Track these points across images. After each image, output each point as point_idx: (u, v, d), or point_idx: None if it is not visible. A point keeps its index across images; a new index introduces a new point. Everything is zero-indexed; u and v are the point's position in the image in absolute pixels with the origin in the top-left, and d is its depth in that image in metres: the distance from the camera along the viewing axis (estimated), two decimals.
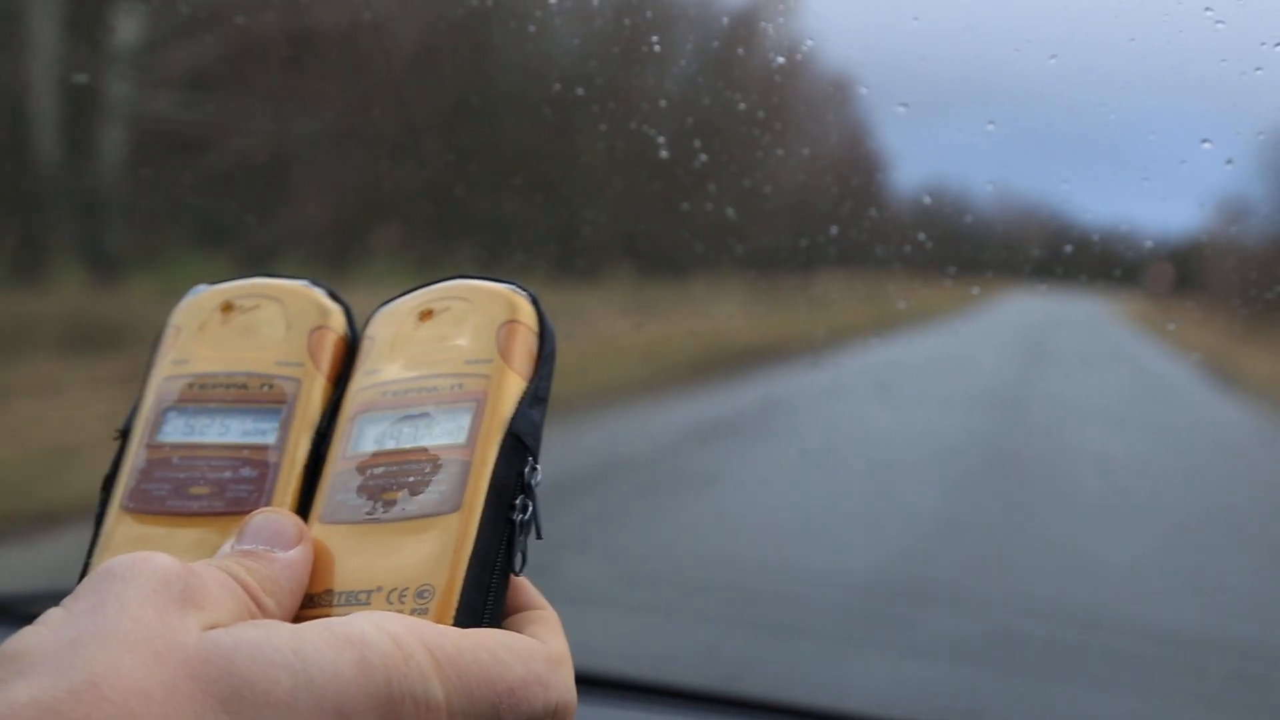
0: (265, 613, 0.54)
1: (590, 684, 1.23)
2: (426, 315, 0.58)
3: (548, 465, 0.58)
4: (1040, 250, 3.28)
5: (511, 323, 0.56)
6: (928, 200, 2.94)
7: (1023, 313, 7.66)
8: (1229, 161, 1.74)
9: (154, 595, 0.49)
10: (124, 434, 0.60)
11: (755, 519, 4.03)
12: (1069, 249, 2.80)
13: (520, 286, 0.59)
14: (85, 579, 0.52)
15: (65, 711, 0.45)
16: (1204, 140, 1.71)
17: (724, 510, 4.22)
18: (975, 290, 2.88)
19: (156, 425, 0.59)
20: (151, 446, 0.58)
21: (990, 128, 1.84)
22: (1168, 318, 5.51)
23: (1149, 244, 2.68)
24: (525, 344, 0.56)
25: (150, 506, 0.57)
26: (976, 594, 3.65)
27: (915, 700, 2.12)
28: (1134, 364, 7.25)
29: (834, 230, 2.81)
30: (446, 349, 0.57)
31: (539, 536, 0.56)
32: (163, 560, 0.52)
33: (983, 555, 4.32)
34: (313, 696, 0.48)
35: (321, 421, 0.58)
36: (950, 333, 7.01)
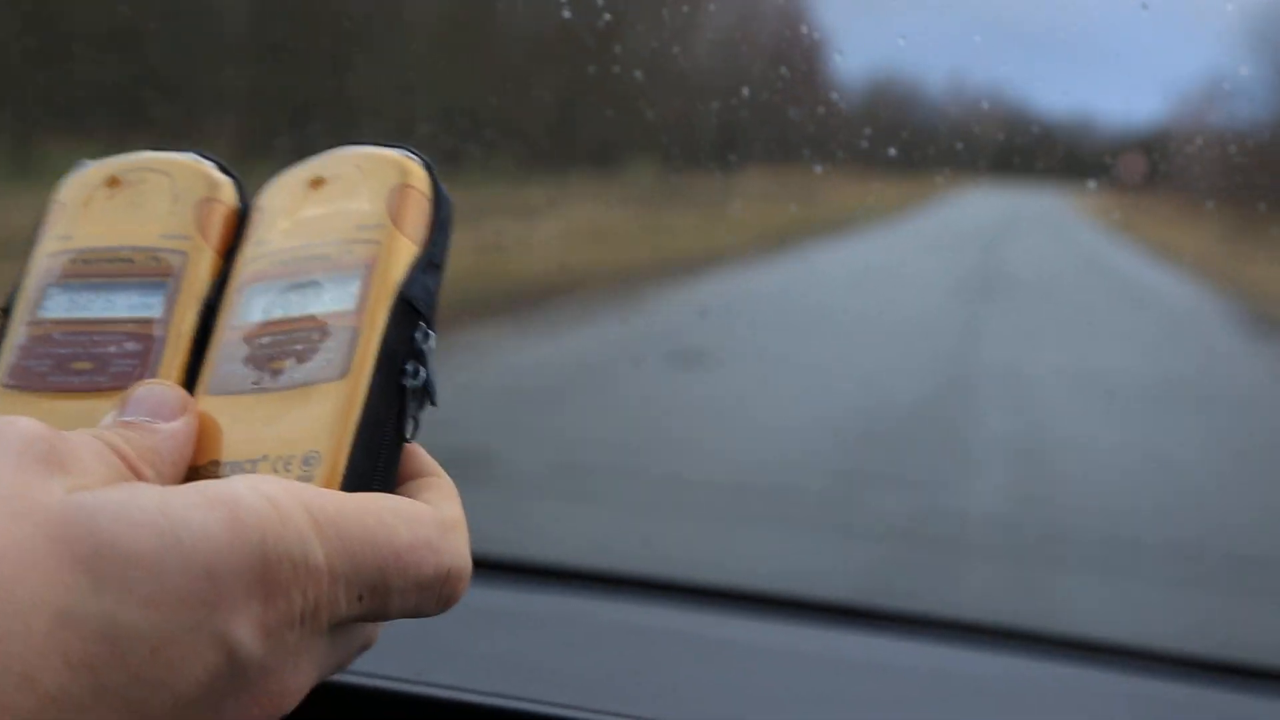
0: (144, 482, 0.52)
1: (526, 571, 1.24)
2: (317, 184, 0.58)
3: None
4: (995, 141, 3.30)
5: (404, 187, 0.56)
6: (871, 93, 2.96)
7: (976, 210, 7.22)
8: (1144, 6, 1.78)
9: (15, 456, 0.49)
10: (4, 312, 0.59)
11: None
12: (1007, 138, 2.83)
13: (413, 151, 0.59)
14: None
15: None
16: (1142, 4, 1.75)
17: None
18: (928, 182, 2.90)
19: (38, 302, 0.59)
20: (33, 323, 0.58)
21: (929, 14, 1.86)
22: (1139, 212, 5.48)
23: (1083, 132, 2.72)
24: (418, 209, 0.56)
25: (31, 383, 0.57)
26: (917, 479, 3.78)
27: (854, 579, 2.22)
28: (1114, 282, 6.69)
29: (782, 126, 2.83)
30: (337, 216, 0.57)
31: (433, 403, 0.56)
32: (27, 423, 0.51)
33: (928, 445, 4.42)
34: (180, 557, 0.47)
35: (209, 294, 0.58)
36: (882, 238, 6.61)
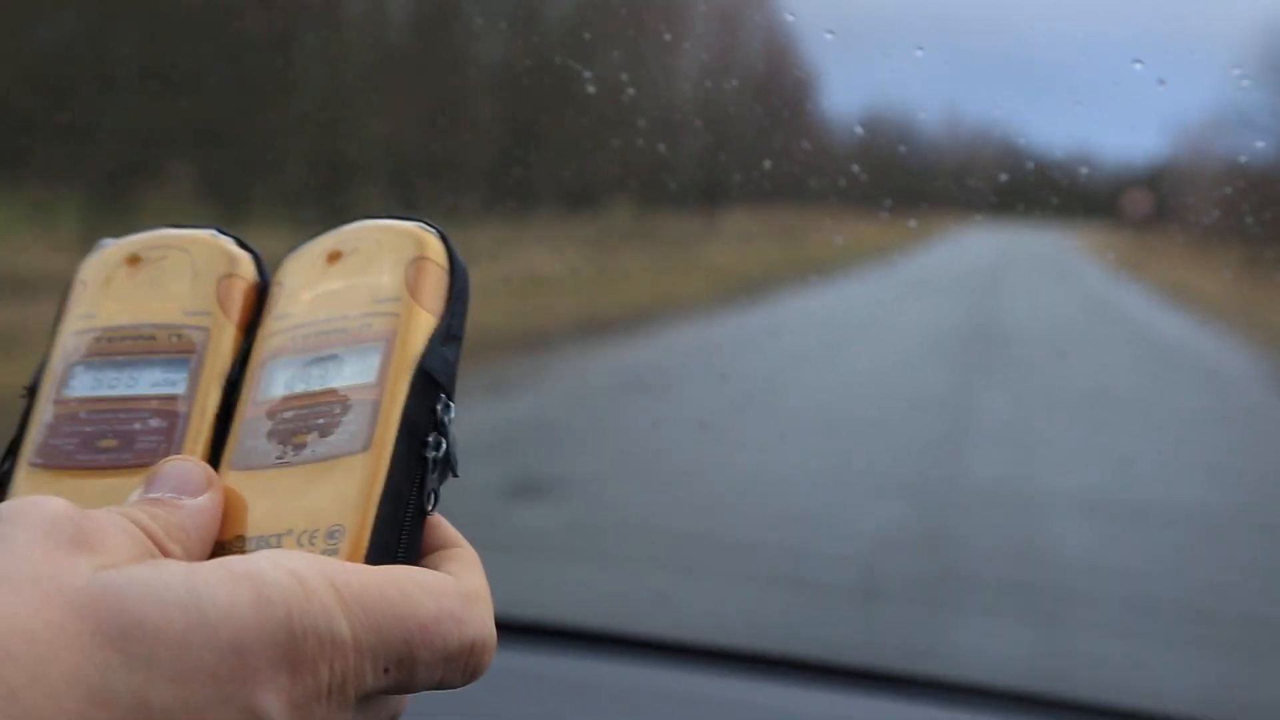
0: (171, 559, 0.55)
1: (542, 633, 1.32)
2: (335, 257, 0.62)
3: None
4: (991, 179, 3.34)
5: (420, 259, 0.60)
6: (860, 131, 3.01)
7: (970, 251, 6.88)
8: (1161, 82, 1.86)
9: (43, 537, 0.51)
10: (31, 391, 0.63)
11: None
12: (1006, 177, 2.87)
13: (428, 223, 0.63)
14: None
15: None
16: (1135, 61, 1.83)
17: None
18: (912, 224, 2.95)
19: (64, 380, 0.62)
20: (59, 402, 0.62)
21: (919, 54, 1.93)
22: (1146, 252, 5.37)
23: (1084, 170, 2.78)
24: (435, 281, 0.60)
25: (58, 461, 0.61)
26: (928, 539, 3.77)
27: (868, 642, 2.30)
28: (1129, 335, 6.16)
29: (767, 164, 2.89)
30: (355, 290, 0.61)
31: (455, 475, 0.59)
32: (55, 503, 0.54)
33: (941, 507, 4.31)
34: (207, 633, 0.50)
35: (232, 370, 0.62)
36: (867, 284, 5.94)
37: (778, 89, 2.94)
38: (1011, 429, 4.93)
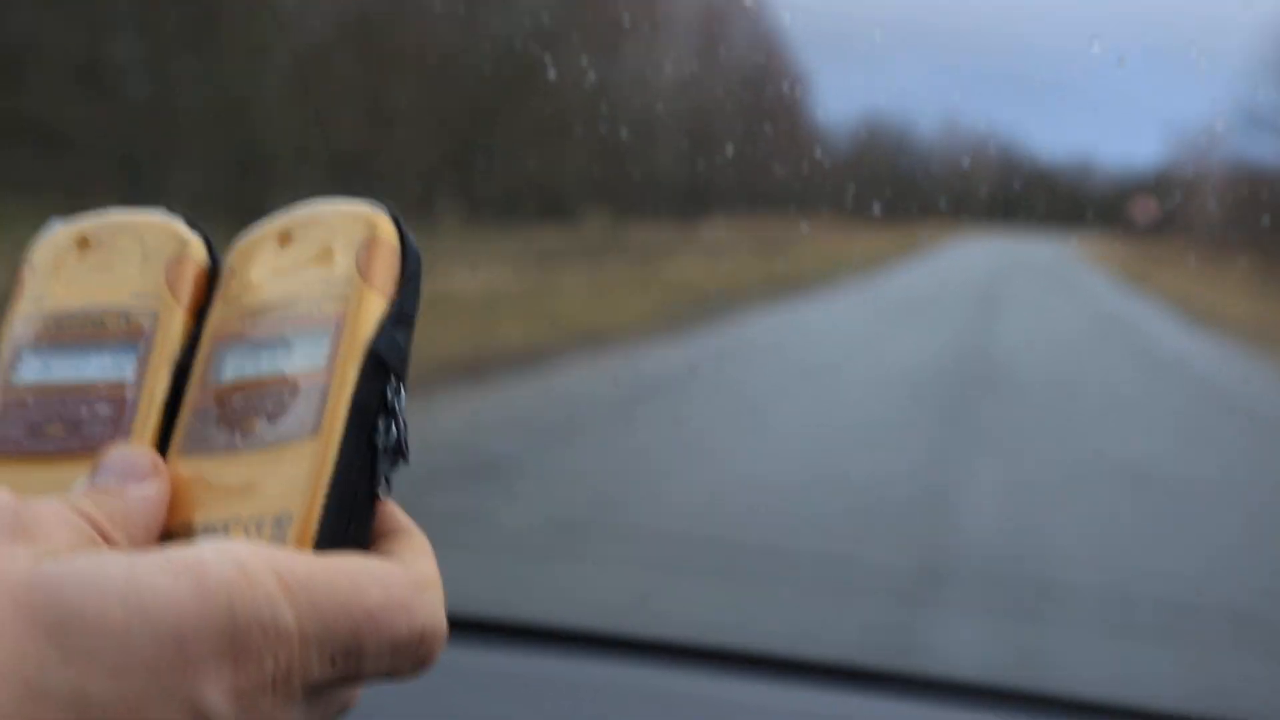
0: (115, 548, 0.57)
1: (521, 633, 1.35)
2: (285, 239, 0.64)
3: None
4: (988, 187, 3.37)
5: (372, 241, 0.62)
6: (852, 138, 3.03)
7: (966, 262, 6.51)
8: (1121, 61, 1.92)
9: None
10: None
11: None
12: (1004, 185, 2.90)
13: (381, 204, 0.64)
14: None
15: None
16: (1092, 36, 1.89)
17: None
18: (905, 234, 2.99)
19: (12, 366, 0.64)
20: (6, 389, 0.64)
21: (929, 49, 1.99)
22: (1151, 261, 5.25)
23: (1085, 178, 2.82)
24: (386, 263, 0.62)
25: (5, 449, 0.62)
26: (912, 536, 3.62)
27: (849, 639, 2.32)
28: (1145, 360, 5.69)
29: (753, 172, 2.91)
30: (306, 273, 0.63)
31: (406, 460, 0.61)
32: None
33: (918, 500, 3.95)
34: (147, 624, 0.50)
35: (181, 354, 0.63)
36: (851, 300, 5.85)
37: (766, 93, 2.97)
38: (1011, 528, 3.56)
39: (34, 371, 0.64)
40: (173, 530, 0.60)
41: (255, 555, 0.54)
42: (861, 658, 1.40)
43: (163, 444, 0.63)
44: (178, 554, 0.54)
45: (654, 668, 1.31)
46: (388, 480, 0.61)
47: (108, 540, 0.57)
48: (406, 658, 0.58)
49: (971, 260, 6.47)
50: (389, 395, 0.60)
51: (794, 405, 4.38)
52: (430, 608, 0.58)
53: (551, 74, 2.36)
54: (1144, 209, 3.18)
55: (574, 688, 1.24)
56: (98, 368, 0.64)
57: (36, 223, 0.70)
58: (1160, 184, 3.17)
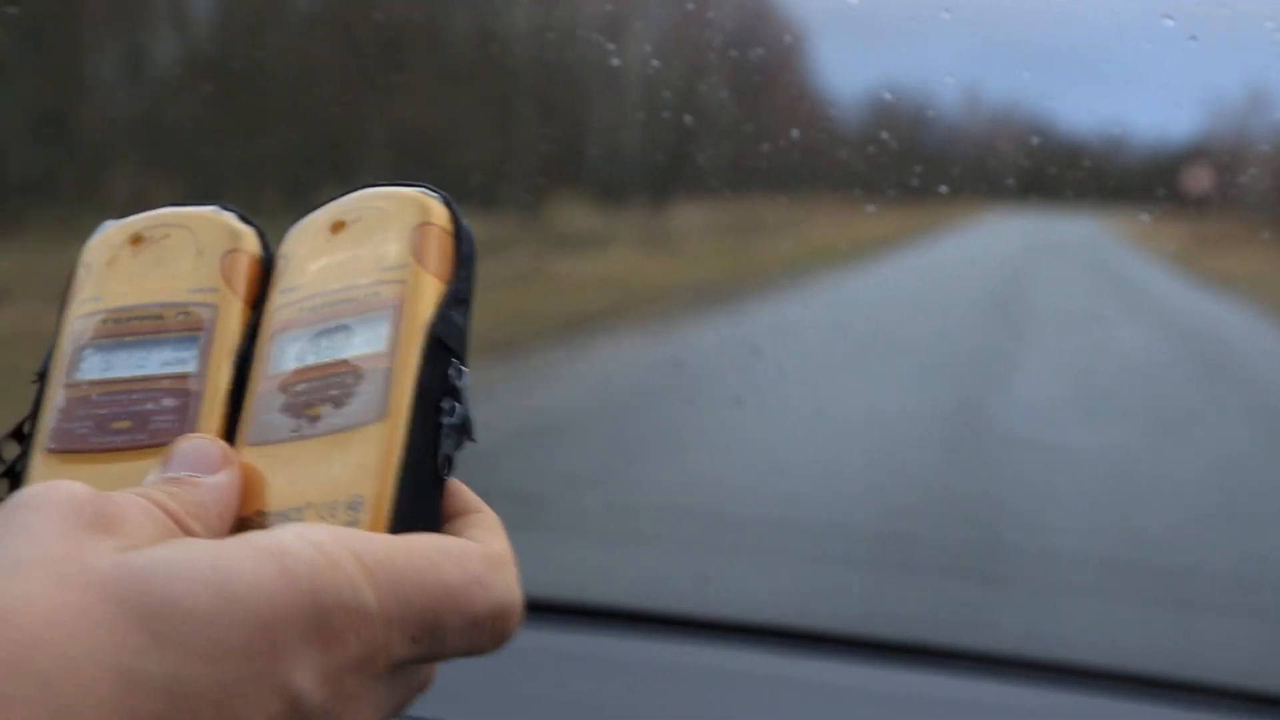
0: (193, 537, 0.62)
1: (582, 613, 1.53)
2: (339, 227, 0.72)
3: None
4: (1013, 160, 3.44)
5: (424, 225, 0.70)
6: (887, 97, 3.12)
7: (988, 246, 6.01)
8: (1192, 37, 2.03)
9: (63, 521, 0.58)
10: (41, 376, 0.72)
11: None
12: (1028, 159, 2.96)
13: (431, 188, 0.71)
14: None
15: None
16: (1165, 16, 2.00)
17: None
18: (939, 210, 3.09)
19: (74, 364, 0.72)
20: (70, 386, 0.71)
21: (946, 16, 2.09)
22: (1200, 242, 4.87)
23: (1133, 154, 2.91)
24: (440, 246, 0.69)
25: (73, 445, 0.70)
26: (966, 511, 3.86)
27: (907, 616, 2.59)
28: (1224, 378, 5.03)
29: (766, 147, 2.99)
30: (361, 259, 0.70)
31: (473, 439, 0.68)
32: (73, 487, 0.60)
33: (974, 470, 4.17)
34: (235, 610, 0.56)
35: (242, 345, 0.71)
36: (843, 292, 5.21)
37: (760, 63, 3.05)
38: None
39: (96, 368, 0.72)
40: (246, 518, 0.66)
41: (334, 538, 0.60)
42: (923, 635, 1.57)
43: (229, 435, 0.70)
44: (260, 539, 0.59)
45: (712, 646, 1.47)
46: (453, 461, 0.68)
47: (185, 530, 0.62)
48: (485, 634, 0.64)
49: (990, 244, 6.12)
50: (451, 376, 0.68)
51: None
52: (506, 584, 0.65)
53: (498, 42, 2.47)
54: (1197, 180, 3.25)
55: (637, 665, 1.40)
56: (160, 361, 0.71)
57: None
58: (1201, 156, 3.26)
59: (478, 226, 0.73)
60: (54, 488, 0.60)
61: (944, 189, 2.97)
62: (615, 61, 2.96)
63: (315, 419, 0.68)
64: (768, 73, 2.92)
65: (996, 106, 3.40)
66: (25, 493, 0.61)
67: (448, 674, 0.69)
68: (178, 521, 0.63)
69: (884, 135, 2.75)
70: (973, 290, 5.88)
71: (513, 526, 0.70)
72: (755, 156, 2.95)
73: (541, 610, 1.39)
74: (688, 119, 2.97)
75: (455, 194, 0.73)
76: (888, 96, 2.94)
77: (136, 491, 0.63)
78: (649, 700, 1.27)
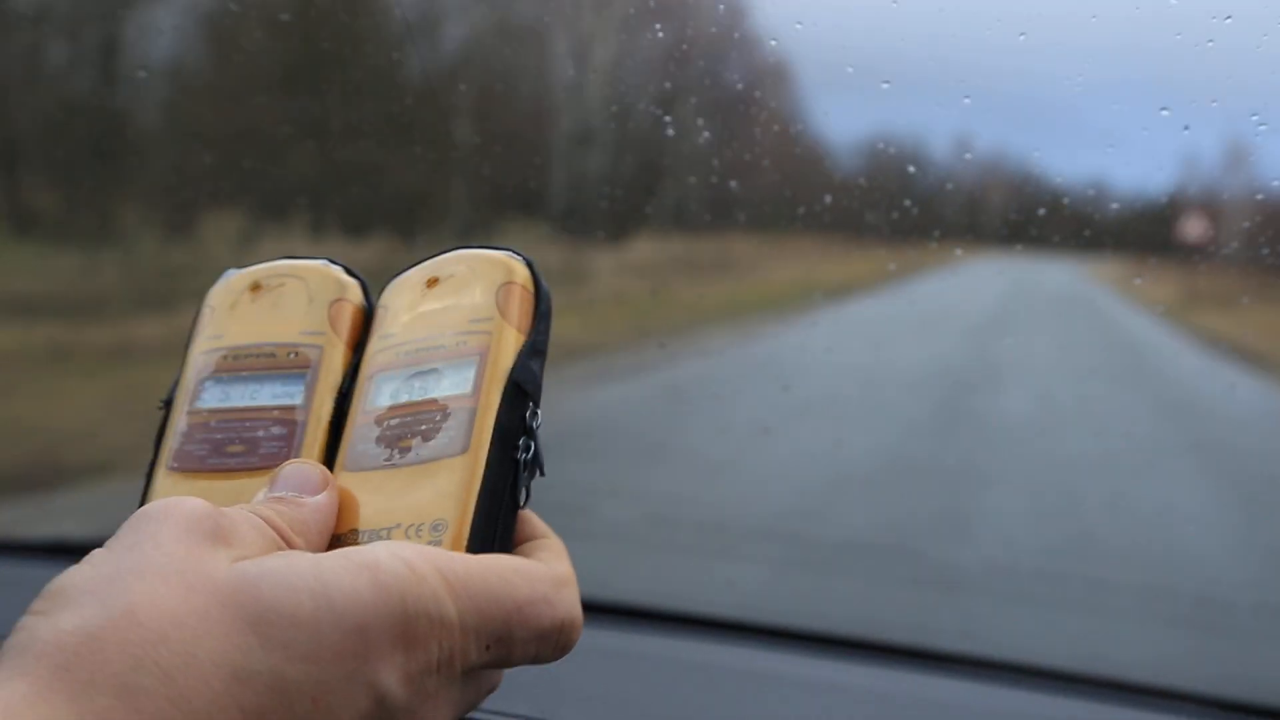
0: (295, 550, 0.71)
1: (620, 613, 1.72)
2: (433, 283, 0.85)
3: None
4: (989, 205, 3.63)
5: (509, 284, 0.83)
6: (877, 145, 3.29)
7: (960, 297, 6.34)
8: (1186, 128, 2.28)
9: (186, 533, 0.67)
10: (167, 404, 0.85)
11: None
12: (1027, 208, 3.13)
13: (516, 252, 0.84)
14: (126, 522, 0.69)
15: (105, 637, 0.61)
16: (1162, 108, 2.25)
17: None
18: (891, 266, 3.24)
19: (196, 394, 0.85)
20: (192, 413, 0.84)
21: (967, 101, 2.32)
22: (1190, 295, 5.20)
23: (1115, 206, 3.10)
24: (522, 303, 0.83)
25: (192, 465, 0.82)
26: (966, 531, 4.36)
27: (913, 624, 2.95)
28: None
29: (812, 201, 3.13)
30: (452, 311, 0.83)
31: (542, 474, 0.80)
32: (194, 502, 0.69)
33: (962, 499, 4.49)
34: (334, 616, 0.65)
35: (343, 382, 0.84)
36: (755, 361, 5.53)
37: (740, 94, 3.21)
38: None
39: (215, 398, 0.85)
40: (342, 535, 0.78)
41: (421, 555, 0.69)
42: (924, 641, 1.83)
43: (328, 461, 0.81)
44: (356, 555, 0.68)
45: (735, 645, 1.71)
46: (528, 491, 0.80)
47: (289, 544, 0.72)
48: (549, 645, 0.75)
49: (964, 294, 6.22)
50: (528, 418, 0.80)
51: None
52: (569, 602, 0.76)
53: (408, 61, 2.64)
54: (1195, 230, 3.44)
55: (672, 663, 1.60)
56: (270, 394, 0.85)
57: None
58: (1180, 209, 3.47)
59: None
60: (177, 503, 0.70)
61: (929, 232, 3.13)
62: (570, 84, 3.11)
63: (406, 450, 0.80)
64: (745, 107, 3.07)
65: (983, 156, 3.58)
66: (151, 506, 0.70)
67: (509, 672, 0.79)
68: (283, 536, 0.73)
69: (862, 180, 2.93)
70: (926, 366, 6.32)
71: None
72: (724, 193, 3.10)
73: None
74: (653, 150, 3.13)
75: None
76: (878, 145, 3.12)
77: (247, 508, 0.73)
78: (682, 692, 1.48)
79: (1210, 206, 3.44)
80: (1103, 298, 6.83)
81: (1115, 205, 2.98)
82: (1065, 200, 2.96)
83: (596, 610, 1.65)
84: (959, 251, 3.34)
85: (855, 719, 1.46)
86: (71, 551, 1.56)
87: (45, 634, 0.63)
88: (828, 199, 2.82)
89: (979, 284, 6.44)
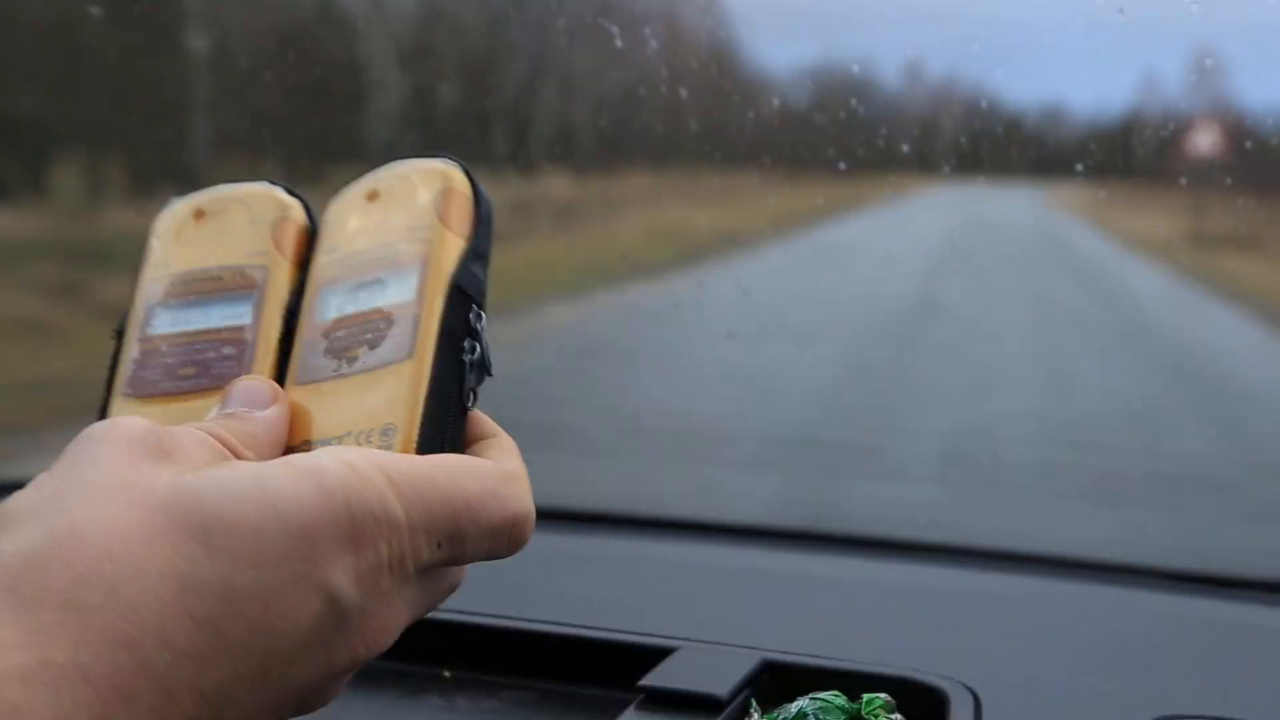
0: (243, 461, 0.71)
1: (597, 520, 1.82)
2: (373, 196, 0.89)
3: None
4: (957, 133, 3.63)
5: (447, 190, 0.86)
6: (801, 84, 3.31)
7: (908, 229, 5.83)
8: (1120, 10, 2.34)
9: (128, 449, 0.67)
10: (118, 333, 0.88)
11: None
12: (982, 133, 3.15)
13: (453, 159, 0.86)
14: (69, 445, 0.69)
15: (48, 556, 0.61)
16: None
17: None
18: (820, 200, 3.27)
19: (146, 321, 0.87)
20: (143, 340, 0.86)
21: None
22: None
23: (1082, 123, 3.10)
24: (461, 208, 0.86)
25: (146, 390, 0.84)
26: (927, 425, 4.45)
27: (884, 516, 3.15)
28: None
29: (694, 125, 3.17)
30: (392, 221, 0.86)
31: (490, 374, 0.82)
32: (136, 421, 0.69)
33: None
34: (278, 521, 0.66)
35: (290, 300, 0.87)
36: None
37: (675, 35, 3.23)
38: None
39: (165, 324, 0.87)
40: (294, 447, 0.79)
41: (365, 457, 0.70)
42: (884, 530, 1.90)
43: (279, 377, 0.83)
44: (298, 460, 0.69)
45: (711, 544, 1.85)
46: (475, 393, 0.82)
47: (239, 457, 0.73)
48: (502, 540, 0.77)
49: (896, 236, 6.09)
50: (472, 320, 0.83)
51: None
52: (519, 496, 0.77)
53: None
54: (1205, 143, 3.30)
55: (642, 562, 1.72)
56: (219, 316, 0.87)
57: None
58: (1183, 123, 3.36)
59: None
60: (119, 423, 0.71)
61: (880, 159, 3.11)
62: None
63: (353, 360, 0.83)
64: (675, 33, 3.09)
65: (935, 81, 3.61)
66: (93, 427, 0.71)
67: (474, 573, 0.81)
68: (232, 450, 0.74)
69: (790, 108, 2.95)
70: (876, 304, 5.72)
71: None
72: (620, 126, 3.09)
73: (565, 518, 1.72)
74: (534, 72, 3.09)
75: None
76: (817, 73, 3.16)
77: (194, 425, 0.75)
78: (657, 591, 1.59)
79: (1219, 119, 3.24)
80: (1083, 239, 6.25)
81: (1082, 122, 2.95)
82: (1022, 121, 2.95)
83: (576, 518, 1.83)
84: (890, 180, 3.24)
85: (821, 605, 1.59)
86: None
87: None
88: (746, 127, 2.78)
89: (921, 221, 5.78)
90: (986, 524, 3.39)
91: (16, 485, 0.75)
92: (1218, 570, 1.73)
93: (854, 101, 2.74)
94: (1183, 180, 3.08)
